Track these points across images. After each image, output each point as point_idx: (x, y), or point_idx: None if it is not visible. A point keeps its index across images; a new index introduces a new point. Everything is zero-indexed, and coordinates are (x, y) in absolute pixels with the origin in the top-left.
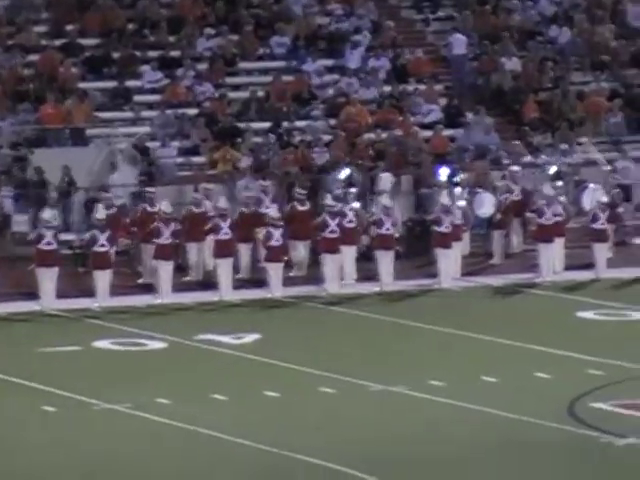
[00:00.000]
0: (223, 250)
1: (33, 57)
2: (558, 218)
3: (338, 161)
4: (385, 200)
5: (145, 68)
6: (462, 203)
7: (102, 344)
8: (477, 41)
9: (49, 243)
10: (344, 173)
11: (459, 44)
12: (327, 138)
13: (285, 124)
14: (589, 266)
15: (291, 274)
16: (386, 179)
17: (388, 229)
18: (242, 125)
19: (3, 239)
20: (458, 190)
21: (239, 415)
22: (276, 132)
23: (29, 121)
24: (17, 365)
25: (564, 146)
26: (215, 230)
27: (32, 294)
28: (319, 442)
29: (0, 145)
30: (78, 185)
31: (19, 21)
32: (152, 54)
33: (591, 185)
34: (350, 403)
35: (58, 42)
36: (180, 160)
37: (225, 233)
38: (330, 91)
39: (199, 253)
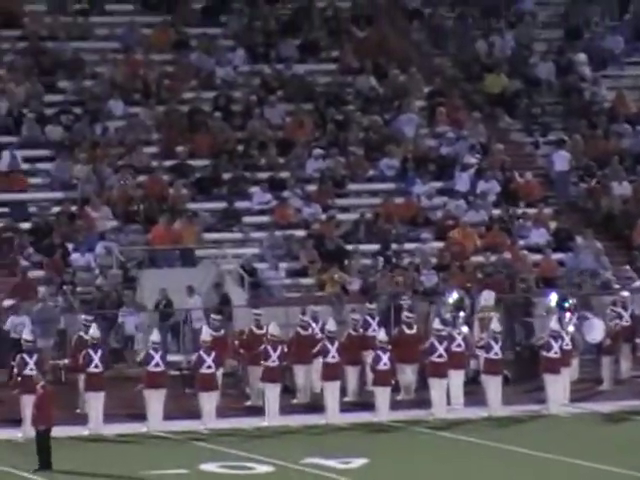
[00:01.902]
0: (331, 373)
1: (143, 178)
2: None
3: (446, 284)
4: (494, 325)
5: (254, 189)
6: (571, 328)
7: (209, 467)
8: (587, 164)
9: (157, 364)
10: (452, 297)
11: (562, 161)
12: (435, 261)
13: (394, 246)
14: None
15: (398, 398)
16: (489, 296)
17: (496, 354)
18: (350, 247)
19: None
20: (567, 315)
21: None
22: (384, 254)
23: (139, 242)
24: None
25: None
26: (323, 353)
27: (140, 415)
28: None
29: (110, 266)
30: (187, 306)
31: (130, 142)
32: (261, 175)
33: None
34: None
35: (168, 163)
36: (288, 281)
37: (333, 356)
38: (439, 214)
39: (307, 375)
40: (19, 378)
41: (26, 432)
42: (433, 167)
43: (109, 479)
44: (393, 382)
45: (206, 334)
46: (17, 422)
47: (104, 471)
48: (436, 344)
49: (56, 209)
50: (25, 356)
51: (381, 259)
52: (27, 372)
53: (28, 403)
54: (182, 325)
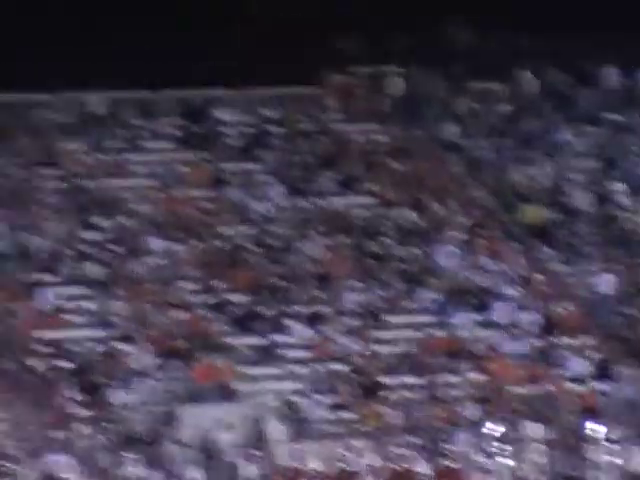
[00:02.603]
0: None
1: (182, 314)
2: None
3: (489, 416)
4: (539, 458)
5: (294, 323)
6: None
7: None
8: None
9: None
10: (495, 429)
11: (607, 284)
12: (477, 393)
13: (435, 378)
14: None
15: None
16: (535, 428)
17: None
18: (391, 380)
19: None
20: (606, 445)
21: None
22: (426, 387)
23: (180, 378)
24: None
25: None
26: None
27: None
28: None
29: (151, 403)
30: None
31: (169, 278)
32: (301, 310)
33: None
34: None
35: (208, 299)
36: (330, 416)
37: None
38: (479, 345)
39: None
40: None
41: None
42: (473, 299)
43: None
44: None
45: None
46: None
47: None
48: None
49: (98, 347)
50: None
51: (422, 392)
52: None
53: None
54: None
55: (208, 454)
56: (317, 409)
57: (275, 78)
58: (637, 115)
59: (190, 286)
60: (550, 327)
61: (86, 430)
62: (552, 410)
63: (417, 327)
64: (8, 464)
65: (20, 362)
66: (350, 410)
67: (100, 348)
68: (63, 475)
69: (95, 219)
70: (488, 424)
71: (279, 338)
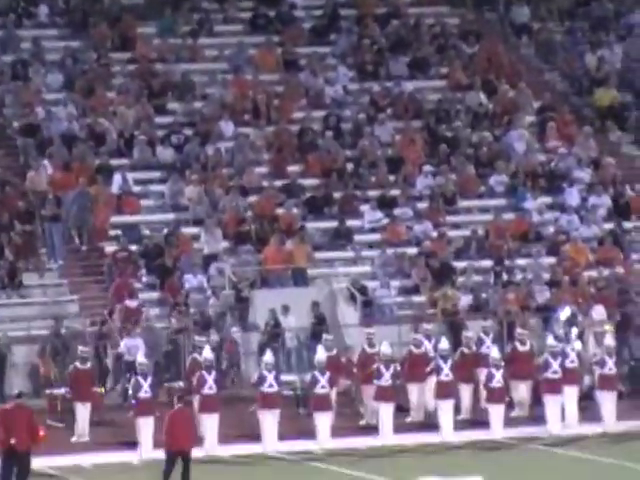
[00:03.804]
0: (444, 391)
1: (254, 198)
2: None
3: (559, 300)
4: (608, 340)
5: (365, 208)
6: None
7: None
8: None
9: (271, 385)
10: (565, 313)
11: None
12: (548, 277)
13: (505, 262)
14: None
15: (512, 415)
16: (601, 311)
17: (611, 369)
18: (462, 264)
19: (226, 379)
20: None
21: None
22: (496, 271)
23: (251, 262)
24: None
25: None
26: (436, 371)
27: (255, 436)
28: None
29: (222, 287)
30: (301, 325)
31: (240, 163)
32: (372, 193)
33: None
34: None
35: (279, 183)
36: (400, 300)
37: (446, 374)
38: (550, 229)
39: (420, 394)
40: (134, 401)
41: (142, 455)
42: (543, 182)
43: None
44: (507, 399)
45: (321, 354)
46: (132, 445)
47: None
48: (550, 360)
49: (169, 231)
50: (140, 379)
51: (493, 275)
52: (142, 395)
53: (144, 426)
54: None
55: (277, 337)
56: (388, 292)
57: None
58: None
59: (261, 170)
60: (620, 210)
61: (156, 313)
62: (622, 293)
63: (488, 211)
64: (82, 347)
65: (93, 245)
66: (420, 293)
67: (171, 232)
68: (134, 358)
69: (166, 103)
70: (558, 307)
71: (350, 222)
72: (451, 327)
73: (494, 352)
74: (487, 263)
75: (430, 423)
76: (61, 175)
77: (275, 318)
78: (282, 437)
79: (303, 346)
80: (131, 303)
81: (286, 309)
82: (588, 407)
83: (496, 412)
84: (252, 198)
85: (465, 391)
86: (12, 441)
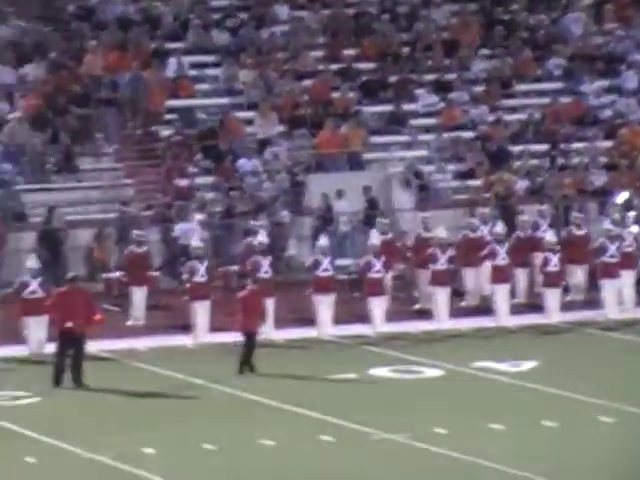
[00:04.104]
0: (500, 275)
1: (309, 82)
2: None
3: (616, 184)
4: None
5: (420, 92)
6: None
7: (379, 372)
8: None
9: (325, 269)
10: (622, 196)
11: None
12: (605, 160)
13: (562, 146)
14: None
15: (568, 299)
16: None
17: None
18: (518, 148)
19: (280, 264)
20: None
21: (518, 446)
22: (553, 155)
23: (305, 146)
24: (294, 393)
25: None
26: (492, 255)
27: (310, 320)
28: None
29: (277, 170)
30: (352, 209)
31: (295, 46)
32: (427, 77)
33: None
34: (630, 432)
35: (334, 67)
36: (455, 184)
37: (502, 258)
38: (608, 112)
39: (476, 278)
40: (188, 285)
41: (197, 339)
42: (601, 65)
43: (278, 385)
44: (563, 283)
45: (375, 238)
46: (187, 329)
47: (275, 376)
48: (607, 244)
49: (224, 115)
50: (195, 263)
51: (549, 159)
52: (198, 279)
53: (199, 310)
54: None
55: (330, 222)
56: (443, 176)
57: None
58: None
59: (316, 54)
60: None
61: (211, 196)
62: None
63: (545, 94)
64: (138, 231)
65: (148, 129)
66: (476, 177)
67: (227, 116)
68: (189, 242)
69: None
70: (615, 191)
71: (405, 106)
72: (505, 211)
73: (550, 236)
74: (543, 147)
75: (485, 307)
76: (116, 58)
77: (327, 202)
78: (337, 321)
79: (357, 230)
80: (181, 182)
81: (340, 193)
82: None
83: (552, 296)
84: (307, 82)
85: (521, 275)
86: (69, 324)
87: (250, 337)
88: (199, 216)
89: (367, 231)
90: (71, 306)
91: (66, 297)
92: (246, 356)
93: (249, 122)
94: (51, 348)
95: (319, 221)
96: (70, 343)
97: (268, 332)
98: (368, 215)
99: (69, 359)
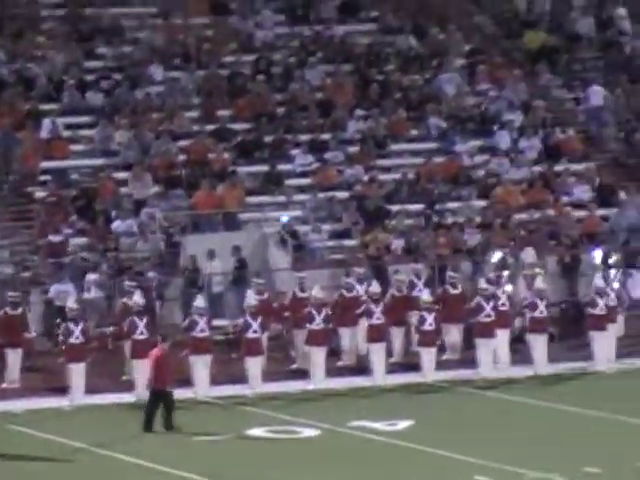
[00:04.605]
0: (376, 334)
1: (185, 143)
2: None
3: (490, 243)
4: (539, 283)
5: (296, 152)
6: (616, 285)
7: (256, 432)
8: (630, 119)
9: (202, 330)
10: (496, 256)
11: (596, 96)
12: (479, 219)
13: (437, 206)
14: None
15: (444, 358)
16: (531, 254)
17: (542, 312)
18: (393, 207)
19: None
20: (612, 272)
21: None
22: (427, 214)
23: (182, 207)
24: (170, 455)
25: None
26: (368, 314)
27: (186, 381)
28: None
29: (153, 231)
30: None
31: (170, 107)
32: (303, 137)
33: None
34: None
35: (209, 127)
36: (331, 243)
37: (378, 317)
38: (481, 172)
39: (352, 338)
40: (64, 347)
41: (73, 400)
42: (474, 125)
43: (155, 445)
44: (438, 342)
45: (251, 298)
46: (63, 391)
47: (152, 437)
48: (483, 303)
49: (98, 176)
50: (70, 324)
51: (424, 219)
52: (73, 341)
53: (75, 372)
54: (207, 289)
55: (195, 283)
56: (319, 236)
57: None
58: None
59: (191, 114)
60: (550, 152)
61: (86, 257)
62: (553, 236)
63: (419, 154)
64: (12, 293)
65: (23, 190)
66: (351, 237)
67: (101, 176)
68: (64, 303)
69: (96, 47)
70: (489, 250)
71: (281, 165)
72: (379, 270)
73: (425, 295)
74: (418, 206)
75: (362, 367)
76: None
77: (195, 263)
78: (213, 382)
79: (228, 290)
80: (55, 238)
81: (211, 254)
82: (519, 350)
83: (428, 355)
84: (183, 142)
85: (397, 334)
86: None
87: (161, 395)
88: (93, 276)
89: (237, 291)
90: None
91: None
92: (153, 414)
93: (124, 183)
94: None
95: (186, 282)
96: None
97: (143, 394)
98: (239, 275)
99: None
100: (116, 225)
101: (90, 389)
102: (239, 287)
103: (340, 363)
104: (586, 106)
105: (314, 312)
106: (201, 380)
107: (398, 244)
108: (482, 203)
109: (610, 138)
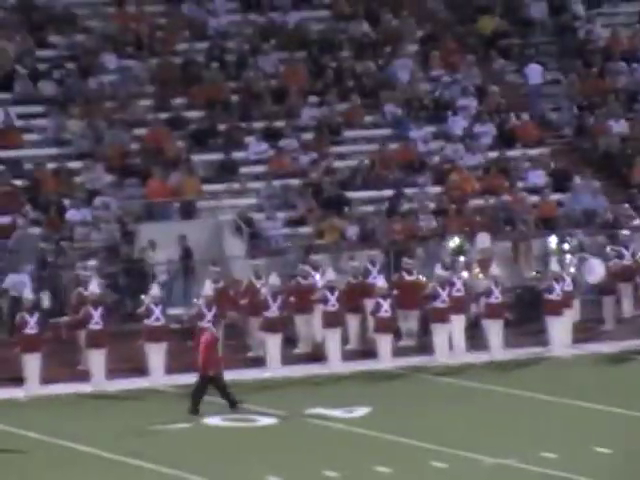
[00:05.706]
0: (332, 321)
1: (138, 131)
2: None
3: (446, 229)
4: (494, 269)
5: (250, 139)
6: (572, 270)
7: (212, 421)
8: (583, 104)
9: (157, 319)
10: (453, 242)
11: (535, 74)
12: (434, 206)
13: (392, 192)
14: None
15: (400, 344)
16: (485, 239)
17: (497, 298)
18: (348, 194)
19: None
20: (567, 257)
21: None
22: (382, 201)
23: (136, 196)
24: (127, 444)
25: None
26: (323, 301)
27: (141, 370)
28: None
29: (107, 221)
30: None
31: (123, 96)
32: (257, 125)
33: None
34: (462, 477)
35: (163, 116)
36: (286, 231)
37: (333, 304)
38: (436, 158)
39: (308, 325)
40: (19, 337)
41: (28, 391)
42: (428, 111)
43: (110, 435)
44: (395, 329)
45: (208, 287)
46: (18, 381)
47: (108, 426)
48: (439, 290)
49: (52, 165)
50: (26, 315)
51: (379, 206)
52: (28, 331)
53: (29, 362)
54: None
55: (166, 270)
56: (274, 224)
57: None
58: None
59: (145, 103)
60: (505, 138)
61: (41, 247)
62: (509, 221)
63: (373, 140)
64: None
65: None
66: (307, 225)
67: (55, 166)
68: (23, 295)
69: (48, 36)
70: (445, 236)
71: (235, 153)
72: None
73: (380, 282)
74: (373, 193)
75: (318, 354)
76: None
77: (143, 253)
78: (168, 370)
79: (175, 279)
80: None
81: (152, 244)
82: (475, 336)
83: (384, 342)
84: (137, 131)
85: (353, 321)
86: None
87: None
88: (92, 262)
89: (184, 280)
90: None
91: None
92: (201, 399)
93: (78, 172)
94: None
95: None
96: None
97: (99, 383)
98: (185, 264)
99: None
100: (71, 214)
101: (45, 379)
102: (186, 276)
103: (296, 350)
104: (527, 85)
105: (269, 299)
106: (156, 369)
107: (353, 231)
108: (437, 189)
109: (564, 123)
